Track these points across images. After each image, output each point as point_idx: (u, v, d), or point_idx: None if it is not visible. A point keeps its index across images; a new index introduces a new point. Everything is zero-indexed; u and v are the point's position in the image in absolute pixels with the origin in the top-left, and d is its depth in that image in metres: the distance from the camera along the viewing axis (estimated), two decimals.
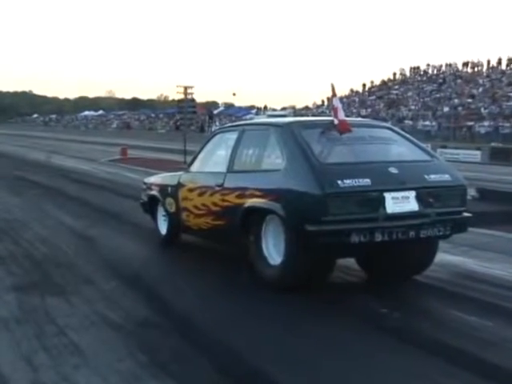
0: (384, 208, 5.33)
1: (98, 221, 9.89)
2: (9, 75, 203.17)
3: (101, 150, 33.98)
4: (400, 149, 6.23)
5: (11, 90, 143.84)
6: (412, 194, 5.48)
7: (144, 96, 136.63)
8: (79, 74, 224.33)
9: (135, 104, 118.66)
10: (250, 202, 5.92)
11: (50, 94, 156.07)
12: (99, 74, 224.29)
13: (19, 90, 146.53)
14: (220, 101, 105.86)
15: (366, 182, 5.29)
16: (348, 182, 5.24)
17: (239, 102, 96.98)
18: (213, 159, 7.20)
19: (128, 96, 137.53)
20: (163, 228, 8.05)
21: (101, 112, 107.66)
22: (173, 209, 7.60)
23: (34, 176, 17.63)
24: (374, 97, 60.30)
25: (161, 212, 8.11)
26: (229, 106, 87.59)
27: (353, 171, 5.39)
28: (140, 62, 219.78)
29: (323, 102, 62.16)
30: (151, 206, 8.33)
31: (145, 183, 8.66)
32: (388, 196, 5.36)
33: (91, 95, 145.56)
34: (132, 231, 9.05)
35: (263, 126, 6.58)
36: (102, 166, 22.80)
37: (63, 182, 16.33)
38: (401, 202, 5.41)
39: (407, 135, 6.49)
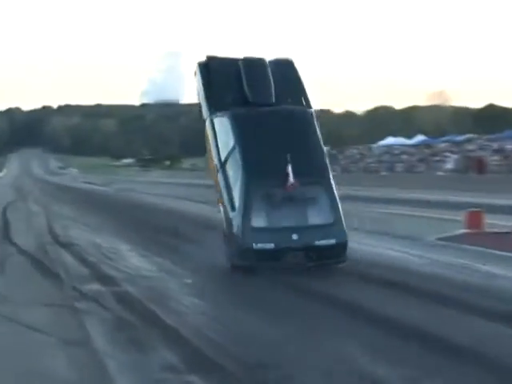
0: None
1: None
2: None
3: (421, 216, 27.06)
4: None
5: None
6: None
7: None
8: None
9: (485, 116, 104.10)
10: None
11: None
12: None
13: None
14: None
15: None
16: None
17: None
18: None
19: (478, 104, 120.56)
20: None
21: (420, 138, 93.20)
22: None
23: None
24: None
25: None
26: None
27: None
28: None
29: None
30: None
31: None
32: None
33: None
34: None
35: None
36: (429, 250, 17.60)
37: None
38: None
39: None
